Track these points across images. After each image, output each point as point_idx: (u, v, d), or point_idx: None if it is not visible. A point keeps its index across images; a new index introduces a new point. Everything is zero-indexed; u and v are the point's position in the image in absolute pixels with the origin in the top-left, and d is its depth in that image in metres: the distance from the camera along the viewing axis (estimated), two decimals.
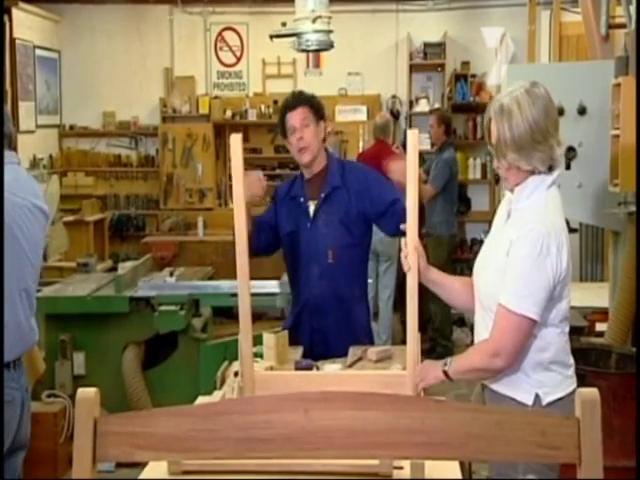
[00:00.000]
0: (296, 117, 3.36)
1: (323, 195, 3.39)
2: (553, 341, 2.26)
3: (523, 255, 2.16)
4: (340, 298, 3.43)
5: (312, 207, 3.41)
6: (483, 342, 2.28)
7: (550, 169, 2.24)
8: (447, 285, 2.47)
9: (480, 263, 2.39)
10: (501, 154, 2.23)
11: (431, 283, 2.43)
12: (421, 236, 2.25)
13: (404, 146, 8.34)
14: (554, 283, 2.18)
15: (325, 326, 3.40)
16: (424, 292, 2.35)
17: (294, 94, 3.51)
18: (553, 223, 2.20)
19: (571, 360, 2.33)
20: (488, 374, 2.28)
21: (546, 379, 2.25)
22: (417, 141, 2.14)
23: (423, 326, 2.32)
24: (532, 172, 2.24)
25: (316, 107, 3.41)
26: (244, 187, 3.09)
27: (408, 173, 2.19)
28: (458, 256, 7.93)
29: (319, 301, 3.39)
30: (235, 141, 2.26)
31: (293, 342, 3.27)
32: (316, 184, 3.42)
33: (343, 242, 3.40)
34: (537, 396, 2.24)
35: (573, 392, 2.25)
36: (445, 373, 2.31)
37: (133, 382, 4.66)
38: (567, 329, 2.31)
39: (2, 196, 2.56)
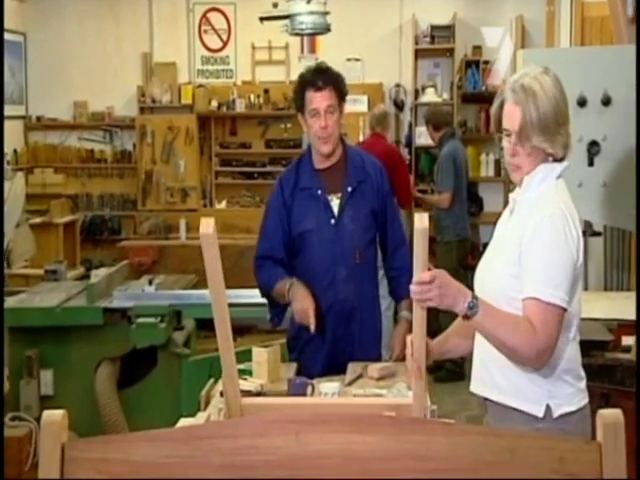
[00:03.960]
0: (321, 100, 3.28)
1: (350, 189, 3.38)
2: (565, 347, 2.28)
3: (548, 241, 2.20)
4: (366, 301, 3.45)
5: (335, 201, 3.38)
6: (529, 328, 2.15)
7: (562, 158, 2.33)
8: (452, 347, 2.55)
9: (485, 267, 2.42)
10: (525, 138, 2.27)
11: (444, 354, 2.56)
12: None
13: (408, 144, 8.43)
14: (575, 268, 2.23)
15: (350, 333, 3.41)
16: None
17: (320, 69, 3.36)
18: (567, 207, 2.28)
19: (583, 372, 2.36)
20: (512, 358, 2.23)
21: (558, 389, 2.28)
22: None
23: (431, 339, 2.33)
24: (544, 160, 2.32)
25: (341, 88, 3.34)
26: (297, 303, 3.20)
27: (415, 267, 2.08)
28: (468, 262, 7.91)
29: (345, 306, 3.38)
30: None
31: (309, 355, 3.36)
32: (335, 176, 3.39)
33: (368, 239, 3.44)
34: (548, 407, 2.26)
35: (585, 407, 2.32)
36: (467, 312, 2.16)
37: (107, 403, 4.65)
38: (578, 337, 2.34)
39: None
